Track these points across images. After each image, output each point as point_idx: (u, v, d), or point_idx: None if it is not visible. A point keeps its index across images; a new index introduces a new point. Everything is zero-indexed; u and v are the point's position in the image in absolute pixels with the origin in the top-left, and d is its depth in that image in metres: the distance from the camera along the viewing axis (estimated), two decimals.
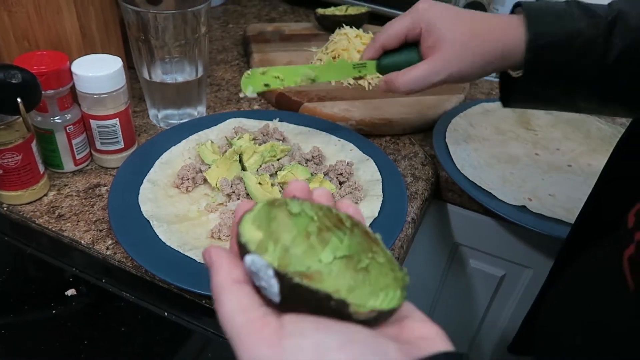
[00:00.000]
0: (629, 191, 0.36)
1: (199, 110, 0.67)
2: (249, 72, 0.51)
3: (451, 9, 0.50)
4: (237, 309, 0.23)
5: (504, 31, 0.47)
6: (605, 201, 0.43)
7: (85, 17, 0.55)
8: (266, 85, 0.53)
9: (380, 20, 0.92)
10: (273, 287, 0.24)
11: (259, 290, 0.25)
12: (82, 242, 0.48)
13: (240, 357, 0.23)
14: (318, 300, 0.23)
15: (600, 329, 0.34)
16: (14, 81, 0.43)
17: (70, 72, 0.52)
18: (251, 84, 0.52)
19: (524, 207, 0.56)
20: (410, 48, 0.51)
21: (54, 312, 0.42)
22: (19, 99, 0.44)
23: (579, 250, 0.45)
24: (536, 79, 0.47)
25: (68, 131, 0.54)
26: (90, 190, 0.55)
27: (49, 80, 0.50)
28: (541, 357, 0.44)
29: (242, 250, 0.25)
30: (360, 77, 0.60)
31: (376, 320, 0.24)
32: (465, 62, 0.48)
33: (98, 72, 0.52)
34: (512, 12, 0.50)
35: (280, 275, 0.24)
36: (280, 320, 0.23)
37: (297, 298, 0.24)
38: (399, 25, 0.50)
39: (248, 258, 0.25)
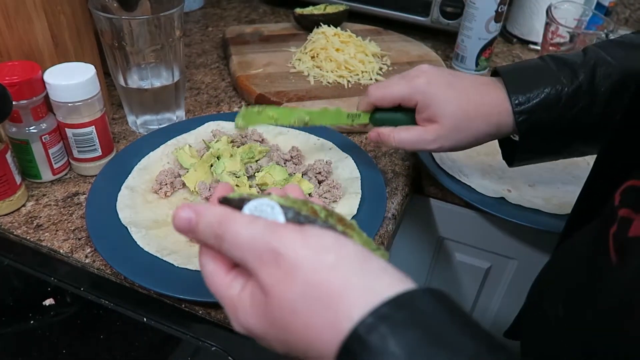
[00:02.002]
0: (619, 173, 0.37)
1: (178, 115, 0.67)
2: (243, 110, 0.51)
3: (450, 86, 0.49)
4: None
5: (494, 107, 0.48)
6: (599, 186, 0.43)
7: (57, 26, 0.55)
8: (256, 122, 0.52)
9: (359, 18, 0.93)
10: (279, 220, 0.26)
11: None
12: (61, 251, 0.48)
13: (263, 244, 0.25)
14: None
15: (581, 300, 0.35)
16: None
17: (43, 82, 0.52)
18: (244, 120, 0.51)
19: (502, 198, 0.56)
20: (407, 111, 0.51)
21: (32, 322, 0.42)
22: None
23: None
24: (533, 139, 0.48)
25: (44, 141, 0.54)
26: (69, 199, 0.55)
27: (21, 91, 0.49)
28: (526, 333, 0.45)
29: (239, 203, 0.27)
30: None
31: None
32: (458, 136, 0.49)
33: (71, 80, 0.51)
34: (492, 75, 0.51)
35: (285, 208, 0.26)
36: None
37: None
38: (397, 92, 0.50)
39: (250, 204, 0.27)
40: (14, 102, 0.48)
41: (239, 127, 0.51)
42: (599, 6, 0.97)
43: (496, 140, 0.65)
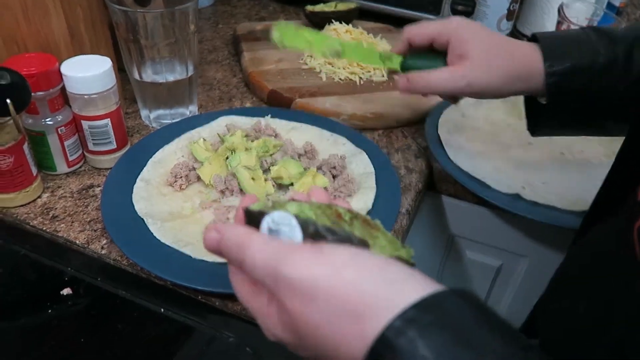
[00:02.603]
0: None
1: (191, 110, 0.67)
2: (282, 23, 0.52)
3: (483, 28, 0.51)
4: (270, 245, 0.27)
5: (527, 57, 0.48)
6: (619, 181, 0.43)
7: (73, 19, 0.55)
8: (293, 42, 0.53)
9: (369, 16, 0.93)
10: (296, 238, 0.26)
11: None
12: (77, 242, 0.48)
13: (282, 272, 0.25)
14: (341, 242, 0.25)
15: (604, 296, 0.35)
16: (2, 82, 0.43)
17: (60, 74, 0.52)
18: (281, 35, 0.52)
19: (517, 195, 0.56)
20: (437, 55, 0.52)
21: (50, 311, 0.42)
22: (8, 100, 0.44)
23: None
24: (561, 104, 0.48)
25: (60, 133, 0.54)
26: (84, 191, 0.55)
27: (38, 82, 0.50)
28: (544, 330, 0.45)
29: (258, 217, 0.27)
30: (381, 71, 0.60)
31: None
32: (488, 75, 0.49)
33: (87, 72, 0.52)
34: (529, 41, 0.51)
35: (303, 222, 0.25)
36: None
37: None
38: (431, 27, 0.51)
39: (268, 218, 0.26)
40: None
41: (274, 40, 0.51)
42: (609, 6, 0.96)
43: (507, 138, 0.65)
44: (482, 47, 0.49)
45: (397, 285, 0.25)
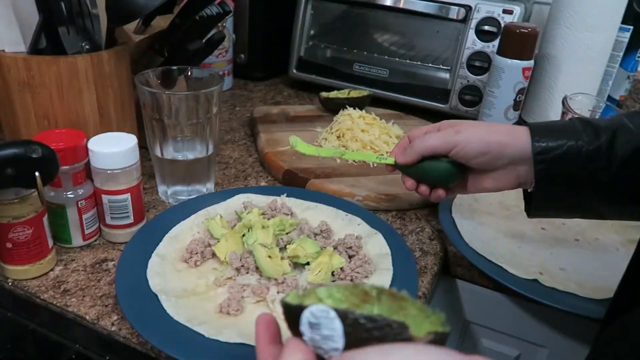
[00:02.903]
0: None
1: (208, 187, 0.68)
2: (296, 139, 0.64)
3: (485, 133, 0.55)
4: None
5: (517, 146, 0.52)
6: None
7: (104, 98, 0.58)
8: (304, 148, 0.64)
9: (380, 103, 0.97)
10: (337, 329, 0.26)
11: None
12: (87, 317, 0.47)
13: None
14: (381, 328, 0.25)
15: None
16: (34, 155, 0.44)
17: (87, 149, 0.53)
18: (296, 140, 0.64)
19: (535, 280, 0.55)
20: (447, 160, 0.56)
21: None
22: (37, 173, 0.45)
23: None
24: (549, 190, 0.51)
25: (79, 206, 0.54)
26: (98, 265, 0.54)
27: (65, 156, 0.51)
28: None
29: (297, 311, 0.28)
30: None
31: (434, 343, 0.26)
32: (479, 134, 0.53)
33: (113, 148, 0.53)
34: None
35: (342, 313, 0.26)
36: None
37: (360, 334, 0.26)
38: (434, 140, 0.56)
39: (307, 312, 0.27)
40: None
41: (290, 142, 0.63)
42: (610, 99, 1.01)
43: (521, 223, 0.66)
44: (475, 124, 0.56)
45: None
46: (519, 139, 0.51)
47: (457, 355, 0.25)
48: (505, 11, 0.88)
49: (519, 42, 0.79)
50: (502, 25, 0.87)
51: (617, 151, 0.48)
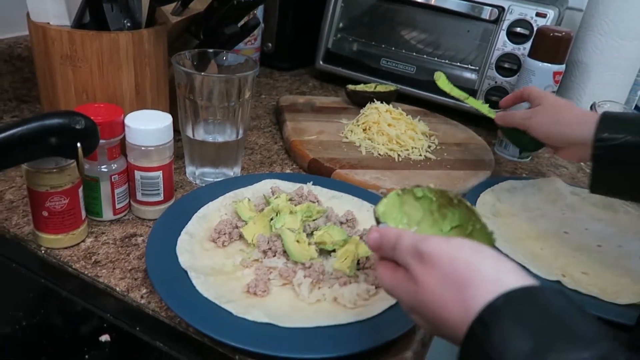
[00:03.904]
0: None
1: (235, 171, 0.69)
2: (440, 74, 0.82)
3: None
4: None
5: (587, 117, 0.59)
6: None
7: (141, 76, 0.59)
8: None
9: (406, 99, 0.97)
10: None
11: None
12: (117, 289, 0.48)
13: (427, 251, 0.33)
14: None
15: None
16: (77, 127, 0.45)
17: (123, 125, 0.54)
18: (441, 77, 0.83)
19: (558, 282, 0.56)
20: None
21: (86, 357, 0.41)
22: (79, 144, 0.46)
23: None
24: (605, 172, 0.56)
25: (113, 180, 0.55)
26: (127, 240, 0.55)
27: (103, 131, 0.52)
28: None
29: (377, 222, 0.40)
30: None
31: None
32: (549, 119, 0.63)
33: (149, 125, 0.54)
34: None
35: None
36: None
37: None
38: (518, 122, 0.68)
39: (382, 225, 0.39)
40: None
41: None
42: (637, 108, 1.00)
43: (543, 226, 0.66)
44: (547, 110, 0.64)
45: (502, 273, 0.30)
46: (581, 129, 0.58)
47: (505, 260, 0.32)
48: (538, 14, 0.87)
49: (552, 45, 0.78)
50: (535, 28, 0.87)
51: None
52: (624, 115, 0.58)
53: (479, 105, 0.78)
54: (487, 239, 0.38)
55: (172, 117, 0.64)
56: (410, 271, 0.34)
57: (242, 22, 0.73)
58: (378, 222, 0.40)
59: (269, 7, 1.07)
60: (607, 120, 0.56)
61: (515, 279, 0.30)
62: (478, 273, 0.30)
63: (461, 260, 0.31)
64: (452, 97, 0.83)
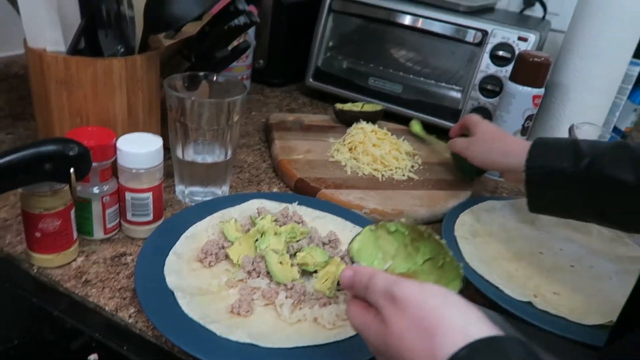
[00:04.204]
0: None
1: (223, 190, 0.71)
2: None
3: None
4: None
5: (511, 161, 0.65)
6: None
7: (134, 100, 0.61)
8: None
9: (392, 117, 1.00)
10: None
11: None
12: (107, 308, 0.50)
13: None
14: None
15: None
16: (70, 153, 0.47)
17: (115, 148, 0.56)
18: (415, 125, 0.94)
19: (529, 303, 0.58)
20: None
21: None
22: (72, 170, 0.48)
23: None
24: (538, 195, 0.62)
25: (104, 201, 0.57)
26: (117, 259, 0.57)
27: (96, 154, 0.54)
28: None
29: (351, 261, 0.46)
30: None
31: None
32: (483, 149, 0.71)
33: (140, 149, 0.56)
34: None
35: None
36: None
37: None
38: (458, 149, 0.76)
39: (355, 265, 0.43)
40: None
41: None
42: (615, 130, 1.04)
43: (520, 246, 0.68)
44: (481, 140, 0.72)
45: (469, 322, 0.32)
46: (508, 161, 0.66)
47: (475, 310, 0.33)
48: (520, 38, 0.90)
49: (532, 70, 0.81)
50: (517, 52, 0.90)
51: (592, 176, 0.57)
52: (553, 141, 0.63)
53: (438, 142, 0.91)
54: (456, 272, 0.40)
55: (163, 136, 0.66)
56: (382, 313, 0.35)
57: (232, 45, 0.76)
58: (352, 261, 0.42)
59: (261, 25, 1.10)
60: (537, 148, 0.62)
61: (479, 329, 0.31)
62: (445, 321, 0.32)
63: (431, 307, 0.33)
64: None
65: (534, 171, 0.61)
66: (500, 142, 0.69)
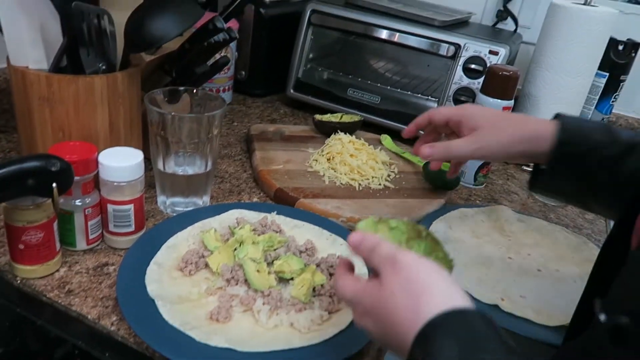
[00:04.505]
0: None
1: (204, 200, 0.73)
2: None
3: (492, 109, 0.65)
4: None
5: (537, 124, 0.58)
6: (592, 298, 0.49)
7: (115, 115, 0.63)
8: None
9: (371, 127, 1.03)
10: None
11: None
12: (89, 317, 0.52)
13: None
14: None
15: None
16: (52, 169, 0.49)
17: (97, 162, 0.58)
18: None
19: (496, 306, 0.61)
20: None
21: None
22: (54, 184, 0.50)
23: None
24: (558, 174, 0.57)
25: (86, 213, 0.59)
26: (99, 269, 0.59)
27: (78, 168, 0.56)
28: None
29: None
30: None
31: None
32: (496, 137, 0.59)
33: (121, 163, 0.58)
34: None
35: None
36: None
37: None
38: (449, 110, 0.64)
39: None
40: None
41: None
42: None
43: (490, 252, 0.71)
44: (491, 118, 0.60)
45: (453, 292, 0.37)
46: (541, 130, 0.57)
47: (459, 288, 0.37)
48: (491, 52, 0.94)
49: (501, 83, 0.85)
50: (488, 65, 0.93)
51: (625, 166, 0.53)
52: (584, 124, 0.58)
53: (413, 157, 0.92)
54: (448, 266, 0.45)
55: (145, 149, 0.68)
56: (380, 273, 0.39)
57: (214, 59, 0.78)
58: None
59: (243, 37, 1.13)
60: (568, 125, 0.56)
61: (461, 301, 0.36)
62: (433, 288, 0.37)
63: (424, 274, 0.37)
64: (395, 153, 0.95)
65: (567, 149, 0.55)
66: (519, 124, 0.59)
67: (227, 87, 1.12)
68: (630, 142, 0.54)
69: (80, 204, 0.59)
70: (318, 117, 0.98)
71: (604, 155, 0.54)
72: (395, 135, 1.02)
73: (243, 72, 1.17)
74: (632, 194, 0.52)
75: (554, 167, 0.56)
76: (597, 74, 1.00)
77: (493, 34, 1.05)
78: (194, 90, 0.72)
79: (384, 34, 1.01)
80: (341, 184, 0.81)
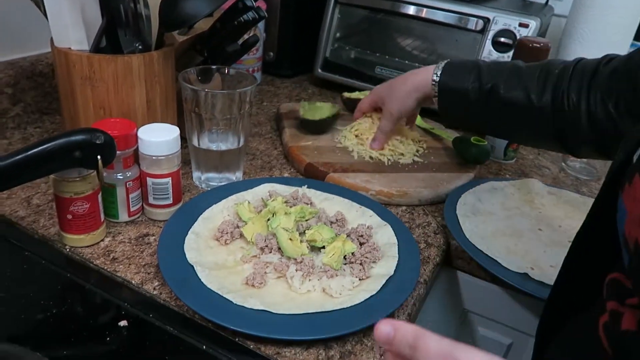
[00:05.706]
0: (601, 261, 0.42)
1: (237, 175, 0.76)
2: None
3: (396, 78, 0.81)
4: None
5: (426, 73, 0.74)
6: (579, 270, 0.49)
7: (152, 93, 0.66)
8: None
9: None
10: None
11: None
12: (133, 282, 0.55)
13: None
14: None
15: None
16: (97, 142, 0.52)
17: (136, 137, 0.61)
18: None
19: (526, 274, 0.62)
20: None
21: (107, 339, 0.48)
22: (99, 157, 0.53)
23: (559, 320, 0.50)
24: (448, 112, 0.74)
25: (127, 186, 0.62)
26: (141, 239, 0.62)
27: (119, 143, 0.59)
28: None
29: None
30: None
31: None
32: (394, 99, 0.78)
33: (159, 138, 0.61)
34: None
35: None
36: None
37: None
38: (367, 99, 0.86)
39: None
40: None
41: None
42: None
43: (520, 224, 0.72)
44: (390, 86, 0.79)
45: None
46: (425, 84, 0.74)
47: None
48: (521, 24, 0.93)
49: (532, 55, 0.84)
50: (518, 37, 0.92)
51: (492, 99, 0.67)
52: (459, 64, 0.72)
53: (442, 132, 0.95)
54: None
55: (180, 126, 0.71)
56: None
57: (242, 40, 0.80)
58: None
59: (270, 18, 1.14)
60: (447, 70, 0.71)
61: None
62: None
63: None
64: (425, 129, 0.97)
65: (443, 93, 0.70)
66: (411, 77, 0.75)
67: (256, 68, 1.14)
68: (489, 84, 0.68)
69: (121, 177, 0.62)
70: (346, 94, 0.99)
71: (470, 98, 0.69)
72: (424, 112, 1.02)
73: (271, 53, 1.19)
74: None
75: (441, 107, 0.73)
76: (631, 45, 0.98)
77: (523, 6, 1.03)
78: (226, 69, 0.74)
79: (411, 10, 1.01)
80: (370, 158, 0.82)
